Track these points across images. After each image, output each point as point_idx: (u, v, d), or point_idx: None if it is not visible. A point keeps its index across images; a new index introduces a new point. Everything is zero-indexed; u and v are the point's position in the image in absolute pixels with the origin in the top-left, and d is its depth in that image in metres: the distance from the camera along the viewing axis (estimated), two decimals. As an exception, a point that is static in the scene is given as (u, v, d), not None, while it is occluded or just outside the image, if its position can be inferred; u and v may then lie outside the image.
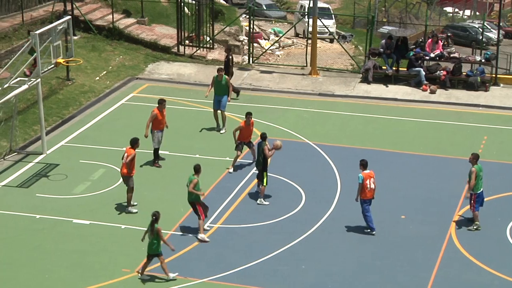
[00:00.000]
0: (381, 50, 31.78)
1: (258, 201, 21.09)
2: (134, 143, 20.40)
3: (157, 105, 23.26)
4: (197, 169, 19.09)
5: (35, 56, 22.21)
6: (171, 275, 17.48)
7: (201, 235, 19.19)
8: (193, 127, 26.22)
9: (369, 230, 19.59)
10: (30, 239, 19.14)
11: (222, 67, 27.61)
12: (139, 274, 17.61)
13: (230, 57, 29.41)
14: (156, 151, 23.32)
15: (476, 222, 19.87)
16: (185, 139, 24.74)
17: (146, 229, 17.60)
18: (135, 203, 20.75)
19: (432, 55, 31.62)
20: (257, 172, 21.54)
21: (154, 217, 17.34)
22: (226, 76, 26.62)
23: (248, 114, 23.10)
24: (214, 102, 26.10)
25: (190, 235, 19.38)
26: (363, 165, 19.43)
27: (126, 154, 20.27)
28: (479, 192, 19.75)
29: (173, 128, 24.84)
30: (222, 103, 25.99)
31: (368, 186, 19.28)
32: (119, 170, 20.85)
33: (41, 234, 19.35)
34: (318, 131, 26.53)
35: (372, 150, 24.68)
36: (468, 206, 20.11)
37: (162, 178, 22.64)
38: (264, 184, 21.10)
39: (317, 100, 29.94)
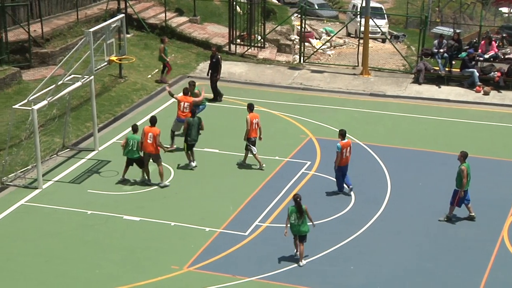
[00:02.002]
0: (434, 50, 31.42)
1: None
2: (155, 123, 21.66)
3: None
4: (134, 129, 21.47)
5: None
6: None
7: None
8: (243, 126, 26.23)
9: (337, 189, 21.45)
10: (81, 234, 19.39)
11: (194, 80, 26.35)
12: (299, 263, 17.97)
13: (219, 56, 29.03)
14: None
15: (448, 215, 20.12)
16: (234, 138, 24.79)
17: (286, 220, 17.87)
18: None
19: (486, 56, 31.17)
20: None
21: (298, 198, 17.70)
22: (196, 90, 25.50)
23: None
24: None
25: (239, 233, 19.42)
26: (342, 135, 21.05)
27: (151, 134, 21.36)
28: (465, 189, 19.95)
29: (222, 126, 24.96)
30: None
31: (344, 154, 21.02)
32: (141, 150, 21.65)
33: (92, 230, 19.60)
34: (369, 132, 26.35)
35: (424, 152, 24.43)
36: None
37: (211, 176, 22.72)
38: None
39: (368, 100, 29.75)
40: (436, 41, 32.04)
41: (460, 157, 19.94)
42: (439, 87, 30.59)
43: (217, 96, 28.80)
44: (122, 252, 18.56)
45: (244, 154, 23.15)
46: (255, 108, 23.49)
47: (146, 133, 21.70)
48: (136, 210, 20.54)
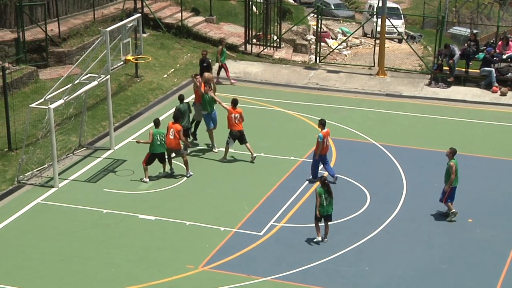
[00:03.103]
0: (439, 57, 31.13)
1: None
2: (178, 118, 22.33)
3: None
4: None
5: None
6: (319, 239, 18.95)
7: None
8: (259, 126, 26.25)
9: (311, 177, 22.07)
10: (97, 233, 19.46)
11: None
12: (324, 240, 18.87)
13: (210, 61, 28.69)
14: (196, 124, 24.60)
15: (452, 211, 20.13)
16: (250, 138, 24.74)
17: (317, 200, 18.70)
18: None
19: (503, 56, 31.00)
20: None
21: (325, 180, 18.70)
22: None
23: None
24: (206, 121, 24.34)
25: (254, 233, 19.42)
26: (322, 124, 21.77)
27: (173, 130, 21.90)
28: (455, 186, 20.08)
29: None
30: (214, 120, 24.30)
31: (325, 143, 21.75)
32: (164, 146, 22.02)
33: (108, 229, 19.66)
34: (385, 132, 26.28)
35: (440, 152, 24.29)
36: None
37: (226, 176, 22.74)
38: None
39: (384, 100, 29.66)
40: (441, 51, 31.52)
41: (449, 154, 20.17)
42: (449, 86, 30.45)
43: None
44: (137, 251, 18.61)
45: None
46: (238, 104, 23.75)
47: (169, 128, 22.11)
48: (151, 210, 20.59)
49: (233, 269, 17.81)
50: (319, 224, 18.96)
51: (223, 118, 23.82)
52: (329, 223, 19.08)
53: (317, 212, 18.71)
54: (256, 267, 17.95)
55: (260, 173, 22.83)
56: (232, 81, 30.78)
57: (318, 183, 19.46)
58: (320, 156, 21.95)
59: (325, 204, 18.76)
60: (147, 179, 22.10)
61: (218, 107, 24.29)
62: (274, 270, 17.83)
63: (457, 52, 30.71)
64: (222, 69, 30.72)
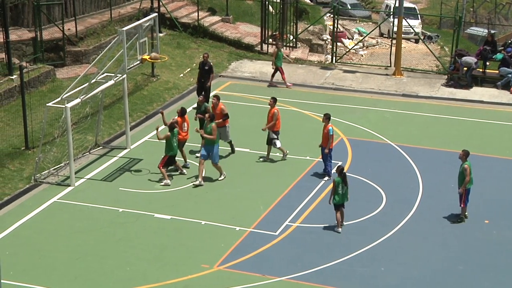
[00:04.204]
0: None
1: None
2: (185, 113, 22.66)
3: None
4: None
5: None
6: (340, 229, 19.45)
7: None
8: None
9: (327, 177, 22.30)
10: (113, 231, 19.52)
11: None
12: (340, 228, 19.43)
13: (211, 64, 27.52)
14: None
15: (461, 216, 20.09)
16: (266, 137, 24.77)
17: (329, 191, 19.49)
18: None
19: (521, 57, 30.88)
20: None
21: (342, 169, 19.26)
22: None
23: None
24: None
25: (269, 233, 19.42)
26: (328, 118, 22.03)
27: (186, 123, 22.50)
28: (469, 188, 19.98)
29: (253, 126, 24.96)
30: (213, 155, 21.95)
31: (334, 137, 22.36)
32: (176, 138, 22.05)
33: (123, 228, 19.72)
34: (401, 133, 26.20)
35: (456, 153, 24.14)
36: None
37: (241, 175, 22.75)
38: None
39: (401, 101, 29.57)
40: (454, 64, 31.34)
41: (462, 156, 20.08)
42: (469, 87, 30.39)
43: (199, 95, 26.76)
44: (153, 250, 18.65)
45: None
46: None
47: (180, 124, 22.35)
48: (167, 209, 20.63)
49: (248, 269, 17.82)
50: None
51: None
52: (343, 214, 19.60)
53: (330, 200, 19.21)
54: (271, 267, 17.95)
55: (276, 173, 22.83)
56: (288, 84, 30.45)
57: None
58: (330, 150, 22.19)
59: (341, 193, 19.19)
60: (169, 180, 22.05)
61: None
62: (289, 270, 17.82)
63: (471, 61, 30.34)
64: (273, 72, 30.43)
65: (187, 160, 23.06)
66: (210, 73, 27.12)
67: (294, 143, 24.74)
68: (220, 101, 23.67)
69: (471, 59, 30.41)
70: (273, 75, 30.58)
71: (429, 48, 34.59)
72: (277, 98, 23.82)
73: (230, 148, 24.05)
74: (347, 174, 19.67)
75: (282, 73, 30.44)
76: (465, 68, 30.34)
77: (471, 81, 30.44)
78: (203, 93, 26.24)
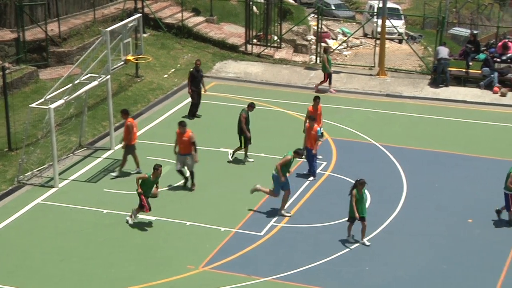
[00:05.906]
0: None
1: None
2: (186, 125, 21.43)
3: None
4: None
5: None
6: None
7: None
8: (259, 126, 26.22)
9: (312, 177, 22.41)
10: (97, 233, 19.45)
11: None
12: (351, 237, 19.09)
13: (202, 73, 27.52)
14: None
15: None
16: (253, 138, 24.78)
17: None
18: None
19: (504, 57, 31.01)
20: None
21: (363, 182, 18.80)
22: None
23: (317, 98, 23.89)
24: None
25: (254, 233, 19.41)
26: (314, 119, 22.34)
27: (192, 135, 21.28)
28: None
29: (236, 127, 24.92)
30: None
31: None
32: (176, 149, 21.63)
33: (108, 229, 19.65)
34: (385, 133, 26.27)
35: (441, 153, 24.34)
36: None
37: (227, 176, 22.72)
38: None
39: (385, 101, 29.66)
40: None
41: None
42: (447, 86, 30.50)
43: (196, 111, 27.26)
44: (138, 252, 18.60)
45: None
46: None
47: (181, 135, 21.43)
48: (152, 210, 20.54)
49: (234, 269, 17.81)
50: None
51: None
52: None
53: (357, 214, 18.76)
54: (257, 267, 17.94)
55: (261, 174, 22.81)
56: (331, 90, 30.18)
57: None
58: (311, 151, 22.21)
59: (361, 205, 18.87)
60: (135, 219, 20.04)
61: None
62: (275, 270, 17.82)
63: (440, 55, 30.49)
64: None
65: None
66: (201, 79, 27.24)
67: (279, 143, 24.74)
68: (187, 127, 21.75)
69: (442, 53, 30.49)
70: (330, 82, 30.12)
71: (412, 49, 34.73)
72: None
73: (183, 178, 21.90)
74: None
75: (326, 79, 30.05)
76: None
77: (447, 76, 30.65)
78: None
